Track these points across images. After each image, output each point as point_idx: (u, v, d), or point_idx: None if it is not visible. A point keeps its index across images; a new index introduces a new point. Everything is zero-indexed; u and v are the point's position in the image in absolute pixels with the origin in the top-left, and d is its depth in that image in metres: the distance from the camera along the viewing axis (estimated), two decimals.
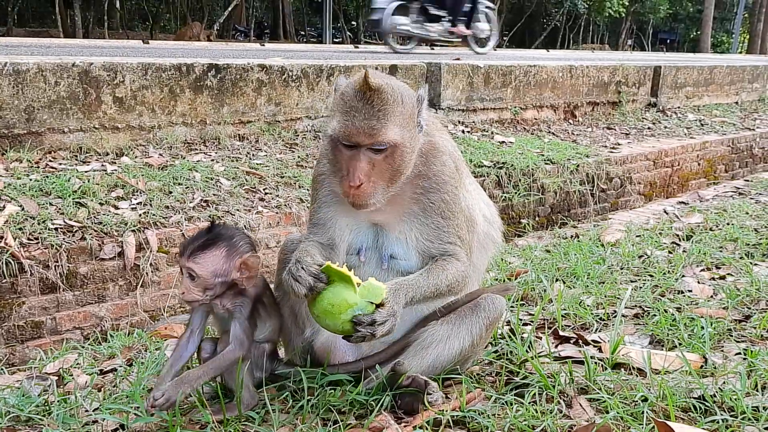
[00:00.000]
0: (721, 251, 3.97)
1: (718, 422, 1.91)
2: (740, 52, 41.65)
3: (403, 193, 2.12)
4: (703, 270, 3.62)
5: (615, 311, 2.86)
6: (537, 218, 7.15)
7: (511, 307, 2.96)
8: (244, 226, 4.92)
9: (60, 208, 4.50)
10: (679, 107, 11.44)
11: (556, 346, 2.56)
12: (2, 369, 3.11)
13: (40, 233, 4.21)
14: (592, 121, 9.79)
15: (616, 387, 2.17)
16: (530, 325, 2.77)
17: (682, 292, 3.20)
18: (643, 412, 1.94)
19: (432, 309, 2.23)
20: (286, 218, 5.23)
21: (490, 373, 2.37)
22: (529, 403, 2.07)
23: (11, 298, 4.09)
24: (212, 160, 5.78)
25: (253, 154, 6.13)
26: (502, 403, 2.11)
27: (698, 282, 3.36)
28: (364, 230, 2.20)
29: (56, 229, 4.31)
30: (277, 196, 5.45)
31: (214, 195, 5.19)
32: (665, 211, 5.92)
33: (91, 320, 4.39)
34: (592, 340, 2.61)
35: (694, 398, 2.04)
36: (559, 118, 9.50)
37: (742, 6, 36.65)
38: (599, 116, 9.99)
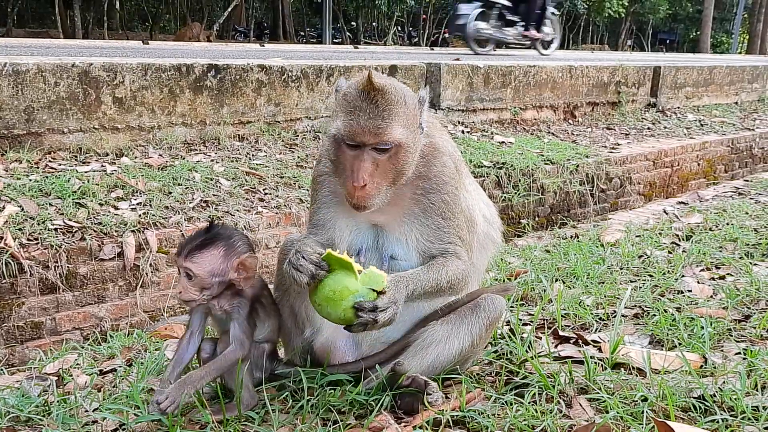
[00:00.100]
0: (720, 251, 3.97)
1: (717, 422, 1.91)
2: (740, 53, 41.67)
3: (403, 194, 2.12)
4: (702, 270, 3.62)
5: (615, 311, 2.86)
6: (537, 218, 7.15)
7: (511, 307, 2.96)
8: (244, 226, 4.92)
9: (60, 209, 4.50)
10: (678, 107, 11.44)
11: (556, 346, 2.56)
12: (2, 369, 3.10)
13: (39, 234, 4.21)
14: (591, 121, 9.80)
15: (616, 387, 2.17)
16: (530, 325, 2.77)
17: (682, 292, 3.20)
18: (642, 412, 1.94)
19: (432, 309, 2.24)
20: (285, 219, 5.23)
21: (489, 373, 2.37)
22: (529, 403, 2.07)
23: (11, 299, 4.09)
24: (212, 161, 5.78)
25: (252, 155, 6.13)
26: (502, 403, 2.11)
27: (698, 282, 3.36)
28: (364, 231, 2.20)
29: (56, 229, 4.31)
30: (277, 196, 5.45)
31: (213, 195, 5.19)
32: (665, 211, 5.92)
33: (90, 321, 4.39)
34: (592, 340, 2.61)
35: (694, 398, 2.04)
36: (559, 118, 9.50)
37: (741, 6, 36.67)
38: (599, 116, 10.00)
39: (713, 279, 3.46)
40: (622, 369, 2.33)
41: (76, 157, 5.32)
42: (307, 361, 2.29)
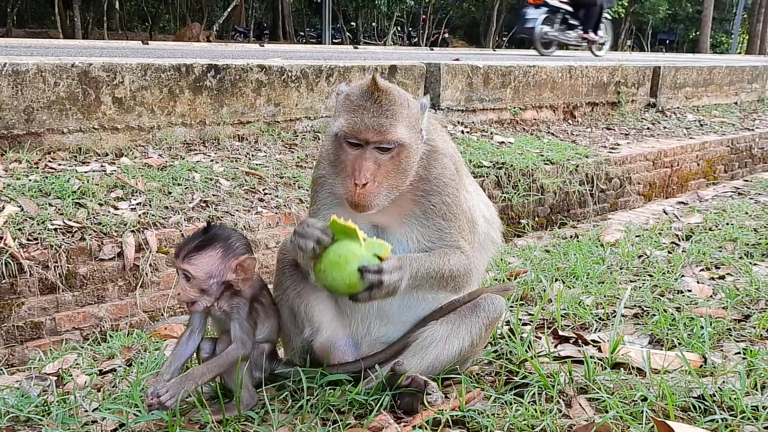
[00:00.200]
0: (720, 251, 3.97)
1: (717, 422, 1.91)
2: (739, 53, 41.68)
3: (403, 196, 2.12)
4: (702, 270, 3.62)
5: (614, 311, 2.86)
6: (536, 218, 7.15)
7: (511, 307, 2.96)
8: (244, 226, 4.92)
9: (59, 209, 4.50)
10: (678, 107, 11.44)
11: (556, 346, 2.56)
12: (2, 369, 3.10)
13: (39, 234, 4.21)
14: (591, 121, 9.80)
15: (616, 387, 2.16)
16: (530, 324, 2.77)
17: (682, 292, 3.20)
18: (642, 412, 1.94)
19: (432, 308, 2.24)
20: (285, 219, 5.23)
21: (489, 373, 2.37)
22: (529, 402, 2.07)
23: (10, 299, 4.08)
24: (211, 161, 5.78)
25: (252, 155, 6.13)
26: (502, 403, 2.11)
27: (698, 282, 3.36)
28: (365, 232, 2.20)
29: (56, 229, 4.31)
30: (277, 196, 5.45)
31: (213, 195, 5.19)
32: (665, 212, 5.92)
33: (90, 321, 4.39)
34: (592, 340, 2.61)
35: (694, 398, 2.04)
36: (559, 118, 9.50)
37: (741, 6, 36.70)
38: (598, 116, 10.00)
39: (713, 279, 3.46)
40: (622, 369, 2.33)
41: (75, 157, 5.32)
42: (307, 361, 2.29)
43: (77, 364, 2.87)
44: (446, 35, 38.18)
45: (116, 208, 4.70)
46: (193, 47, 13.43)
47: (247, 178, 5.60)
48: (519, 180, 6.91)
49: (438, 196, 2.15)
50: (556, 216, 7.26)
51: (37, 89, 5.12)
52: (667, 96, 11.24)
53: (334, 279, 1.92)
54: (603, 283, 3.40)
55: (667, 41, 48.91)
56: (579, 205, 7.61)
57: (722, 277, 3.47)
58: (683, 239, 4.35)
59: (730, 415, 1.94)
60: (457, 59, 9.05)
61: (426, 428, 1.96)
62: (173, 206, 4.89)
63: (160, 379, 2.03)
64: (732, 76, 12.83)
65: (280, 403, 2.15)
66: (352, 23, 36.01)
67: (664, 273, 3.51)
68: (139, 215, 4.66)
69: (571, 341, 2.61)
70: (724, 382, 2.14)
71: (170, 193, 5.04)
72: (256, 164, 5.92)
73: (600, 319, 2.90)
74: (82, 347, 3.25)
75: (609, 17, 15.61)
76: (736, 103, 12.93)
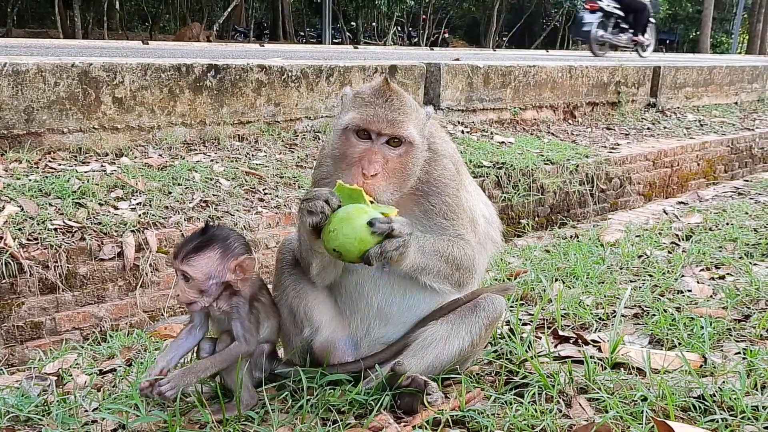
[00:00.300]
0: (720, 251, 3.97)
1: (717, 421, 1.91)
2: (739, 53, 41.66)
3: (404, 197, 2.12)
4: (702, 270, 3.62)
5: (614, 311, 2.86)
6: (536, 218, 7.15)
7: (511, 307, 2.96)
8: (244, 226, 4.92)
9: (59, 209, 4.50)
10: (678, 107, 11.44)
11: (556, 346, 2.56)
12: (2, 369, 3.10)
13: (39, 234, 4.21)
14: (591, 121, 9.80)
15: (616, 386, 2.16)
16: (530, 324, 2.77)
17: (682, 292, 3.20)
18: (642, 412, 1.94)
19: (431, 309, 2.24)
20: (285, 218, 5.23)
21: (489, 373, 2.37)
22: (529, 402, 2.07)
23: (10, 299, 4.09)
24: (212, 161, 5.78)
25: (252, 155, 6.13)
26: (502, 403, 2.11)
27: (698, 282, 3.36)
28: None
29: (56, 229, 4.31)
30: (277, 196, 5.45)
31: (213, 195, 5.19)
32: (665, 212, 5.92)
33: (90, 320, 4.39)
34: (592, 340, 2.61)
35: (694, 398, 2.04)
36: (559, 118, 9.50)
37: (741, 6, 36.69)
38: (599, 116, 10.00)
39: (713, 279, 3.46)
40: (622, 369, 2.33)
41: (75, 157, 5.32)
42: (307, 361, 2.29)
43: (77, 364, 2.87)
44: (446, 35, 38.17)
45: (116, 208, 4.70)
46: (193, 47, 13.43)
47: (247, 178, 5.60)
48: (519, 180, 6.91)
49: (438, 197, 2.15)
50: (556, 216, 7.26)
51: (38, 89, 5.12)
52: (668, 96, 11.24)
53: (345, 235, 1.89)
54: (603, 283, 3.40)
55: (667, 41, 48.85)
56: (579, 205, 7.61)
57: (722, 277, 3.47)
58: (683, 239, 4.35)
59: (730, 415, 1.94)
60: (458, 59, 9.05)
61: (426, 428, 1.96)
62: (173, 206, 4.89)
63: (155, 366, 2.04)
64: (732, 76, 12.83)
65: (280, 403, 2.15)
66: (352, 23, 36.00)
67: (664, 273, 3.51)
68: (139, 215, 4.66)
69: (571, 341, 2.60)
70: (724, 382, 2.14)
71: (170, 193, 5.04)
72: (256, 164, 5.92)
73: (600, 319, 2.90)
74: (82, 347, 3.26)
75: (653, 21, 16.96)
76: (736, 103, 12.93)
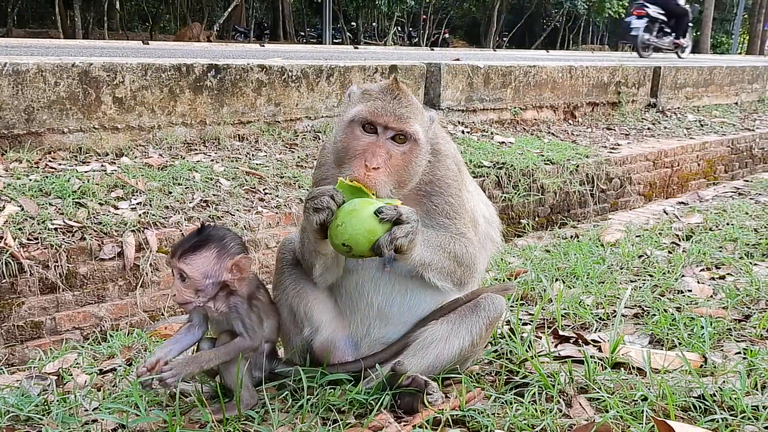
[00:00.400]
0: (720, 251, 3.97)
1: (717, 421, 1.91)
2: (740, 53, 41.66)
3: (406, 198, 2.12)
4: (702, 270, 3.62)
5: (615, 311, 2.86)
6: (537, 218, 7.15)
7: (511, 306, 2.96)
8: (244, 226, 4.92)
9: (60, 209, 4.50)
10: (678, 108, 11.44)
11: (556, 346, 2.56)
12: (2, 369, 3.10)
13: (39, 233, 4.21)
14: (591, 121, 9.80)
15: (616, 386, 2.16)
16: (530, 324, 2.77)
17: (682, 292, 3.20)
18: (642, 412, 1.94)
19: (431, 309, 2.24)
20: (285, 218, 5.23)
21: (489, 373, 2.37)
22: (529, 402, 2.07)
23: (11, 299, 4.09)
24: (212, 161, 5.78)
25: (252, 155, 6.13)
26: (502, 403, 2.11)
27: (698, 282, 3.36)
28: None
29: (56, 229, 4.31)
30: (277, 196, 5.45)
31: (213, 195, 5.19)
32: (665, 212, 5.92)
33: (90, 320, 4.39)
34: (592, 340, 2.61)
35: (694, 397, 2.04)
36: (559, 118, 9.50)
37: (741, 7, 36.69)
38: (599, 117, 10.00)
39: (713, 279, 3.46)
40: (622, 368, 2.33)
41: (76, 157, 5.32)
42: (307, 361, 2.29)
43: (77, 363, 2.87)
44: (447, 35, 38.19)
45: (116, 208, 4.70)
46: (194, 47, 13.43)
47: (248, 177, 5.60)
48: (519, 180, 6.91)
49: (441, 197, 2.16)
50: (557, 216, 7.26)
51: (38, 89, 5.12)
52: (668, 96, 11.23)
53: (353, 227, 1.88)
54: (603, 283, 3.40)
55: None
56: (579, 205, 7.61)
57: (722, 277, 3.47)
58: (683, 239, 4.35)
59: (731, 415, 1.94)
60: (458, 59, 9.05)
61: (426, 428, 1.96)
62: (173, 206, 4.89)
63: (152, 356, 2.04)
64: (732, 76, 12.83)
65: (280, 403, 2.15)
66: (353, 23, 36.02)
67: (664, 273, 3.51)
68: (140, 215, 4.66)
69: (571, 341, 2.60)
70: (724, 381, 2.14)
71: (170, 192, 5.04)
72: (257, 164, 5.92)
73: (600, 318, 2.90)
74: (83, 347, 3.25)
75: (692, 25, 18.71)
76: (736, 103, 12.93)
